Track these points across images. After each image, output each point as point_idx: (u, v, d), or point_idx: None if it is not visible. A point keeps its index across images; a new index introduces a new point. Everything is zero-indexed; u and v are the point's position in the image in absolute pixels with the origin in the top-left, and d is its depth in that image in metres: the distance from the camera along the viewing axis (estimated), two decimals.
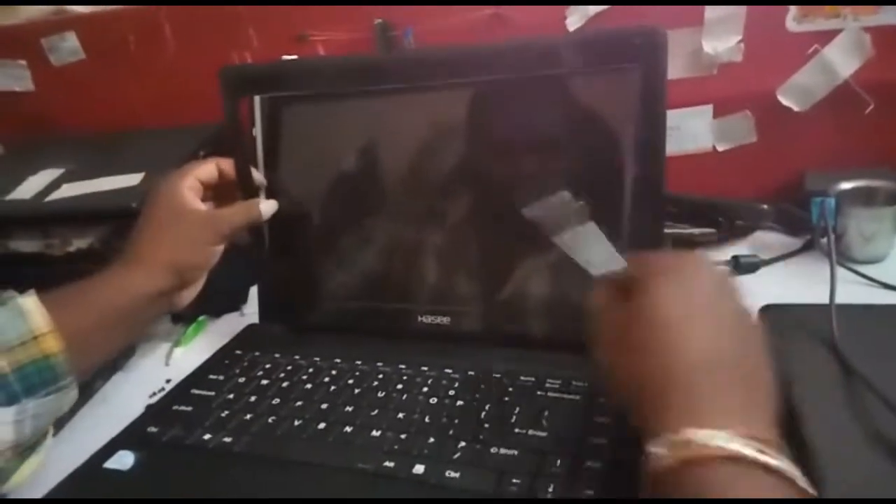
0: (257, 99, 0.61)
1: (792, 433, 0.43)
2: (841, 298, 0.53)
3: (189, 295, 0.57)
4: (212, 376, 0.56)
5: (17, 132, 1.01)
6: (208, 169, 0.58)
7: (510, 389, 0.48)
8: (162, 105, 0.93)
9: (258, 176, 0.61)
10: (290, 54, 0.80)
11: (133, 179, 0.79)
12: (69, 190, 0.80)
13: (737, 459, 0.27)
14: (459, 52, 0.56)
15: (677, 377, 0.31)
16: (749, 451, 0.27)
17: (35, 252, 0.74)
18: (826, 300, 0.52)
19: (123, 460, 0.47)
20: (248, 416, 0.49)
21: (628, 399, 0.33)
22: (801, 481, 0.28)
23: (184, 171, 0.57)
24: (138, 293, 0.53)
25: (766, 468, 0.27)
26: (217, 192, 0.60)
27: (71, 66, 0.94)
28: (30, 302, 0.48)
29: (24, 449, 0.47)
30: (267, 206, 0.58)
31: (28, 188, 0.83)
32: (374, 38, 0.80)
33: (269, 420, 0.49)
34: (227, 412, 0.50)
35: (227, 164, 0.59)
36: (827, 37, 0.71)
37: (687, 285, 0.34)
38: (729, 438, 0.28)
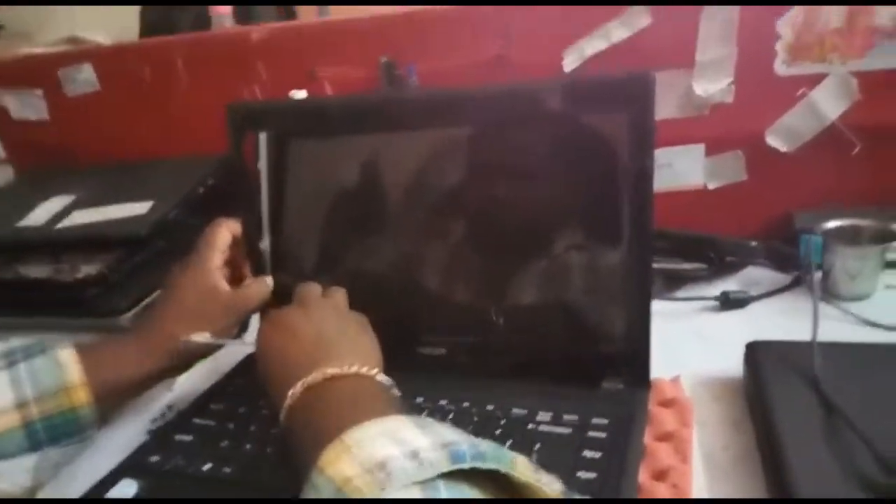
0: (262, 135, 0.63)
1: (773, 467, 0.44)
2: (826, 335, 0.54)
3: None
4: (213, 406, 0.57)
5: (31, 160, 1.04)
6: (226, 238, 0.60)
7: (503, 422, 0.50)
8: (172, 136, 0.96)
9: (262, 242, 0.64)
10: (298, 90, 0.82)
11: (142, 208, 0.82)
12: (79, 217, 0.83)
13: (343, 376, 0.43)
14: (458, 96, 0.58)
15: (304, 349, 0.46)
16: (343, 370, 0.43)
17: (44, 277, 0.77)
18: (808, 341, 0.53)
19: (126, 490, 0.48)
20: (249, 446, 0.51)
21: (276, 377, 0.46)
22: (376, 373, 0.44)
23: (209, 248, 0.59)
24: (155, 367, 0.56)
25: (358, 374, 0.44)
26: (230, 258, 0.62)
27: (85, 97, 0.97)
28: (67, 354, 0.51)
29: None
30: (269, 282, 0.61)
31: (39, 215, 0.86)
32: (380, 76, 0.82)
33: (269, 450, 0.50)
34: (228, 442, 0.52)
35: (235, 226, 0.62)
36: (814, 80, 0.73)
37: (305, 304, 0.51)
38: (334, 367, 0.43)
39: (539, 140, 0.56)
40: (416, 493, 0.29)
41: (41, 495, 0.52)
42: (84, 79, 0.97)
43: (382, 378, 0.45)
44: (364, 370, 0.44)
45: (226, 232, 0.61)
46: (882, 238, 0.67)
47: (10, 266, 0.79)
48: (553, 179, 0.56)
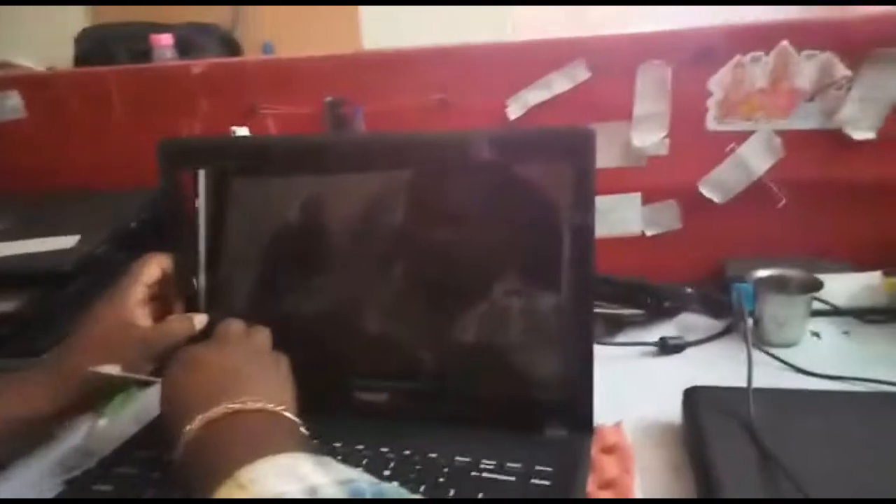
0: (201, 172, 0.62)
1: None
2: (758, 380, 0.56)
3: None
4: (138, 452, 0.54)
5: None
6: (152, 272, 0.58)
7: (446, 470, 0.49)
8: (104, 170, 0.92)
9: (196, 280, 0.61)
10: (239, 126, 0.81)
11: (68, 241, 0.78)
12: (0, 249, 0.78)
13: (246, 411, 0.42)
14: (401, 140, 0.58)
15: (208, 383, 0.45)
16: (252, 404, 0.42)
17: None
18: (743, 387, 0.55)
19: None
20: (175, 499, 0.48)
21: (175, 411, 0.44)
22: (283, 409, 0.43)
23: (132, 280, 0.57)
24: (63, 402, 0.53)
25: (262, 410, 0.42)
26: (158, 294, 0.59)
27: (10, 124, 0.93)
28: None
29: None
30: (199, 320, 0.58)
31: None
32: (324, 115, 0.82)
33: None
34: (152, 492, 0.49)
35: (167, 261, 0.59)
36: (742, 137, 0.78)
37: (220, 340, 0.51)
38: (237, 403, 0.42)
39: (482, 187, 0.56)
40: None
41: None
42: (10, 105, 0.93)
43: (289, 415, 0.43)
44: (269, 406, 0.43)
45: (154, 266, 0.58)
46: (808, 287, 0.70)
47: None
48: (495, 226, 0.56)
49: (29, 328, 0.71)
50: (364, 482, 0.31)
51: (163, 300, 0.60)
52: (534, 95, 0.78)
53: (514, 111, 0.79)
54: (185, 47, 1.15)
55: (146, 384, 0.64)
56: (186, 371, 0.47)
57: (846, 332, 0.72)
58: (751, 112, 0.76)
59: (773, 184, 0.77)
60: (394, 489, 0.31)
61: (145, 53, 1.04)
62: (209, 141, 0.64)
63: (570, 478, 0.47)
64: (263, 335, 0.52)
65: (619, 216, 0.81)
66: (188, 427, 0.41)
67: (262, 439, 0.39)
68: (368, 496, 0.30)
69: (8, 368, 0.69)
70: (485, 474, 0.48)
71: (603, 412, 0.54)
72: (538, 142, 0.54)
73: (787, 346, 0.69)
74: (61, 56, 1.53)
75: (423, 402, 0.56)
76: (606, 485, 0.49)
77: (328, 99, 0.82)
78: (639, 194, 0.81)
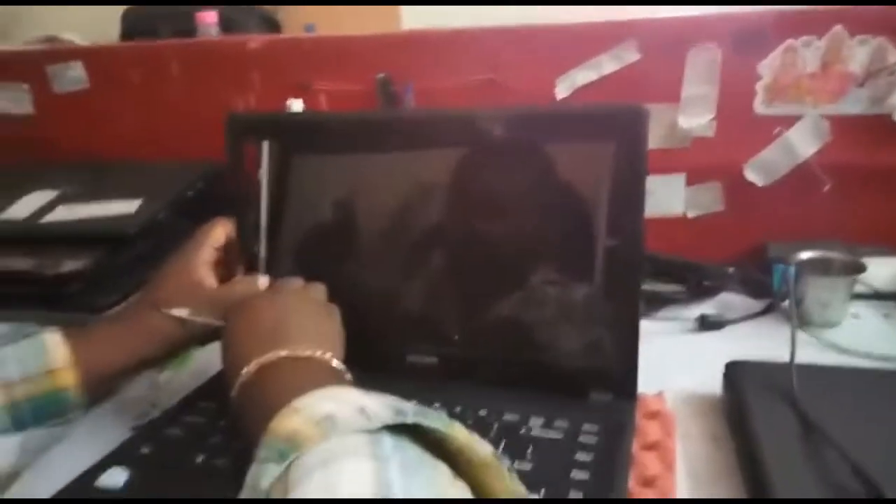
0: (265, 144, 0.64)
1: (755, 482, 0.46)
2: (799, 358, 0.57)
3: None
4: (202, 404, 0.57)
5: (14, 155, 1.02)
6: (218, 236, 0.61)
7: (495, 426, 0.51)
8: (160, 140, 0.96)
9: (257, 248, 0.64)
10: (294, 98, 0.84)
11: (129, 207, 0.81)
12: (64, 212, 0.82)
13: (297, 358, 0.44)
14: (459, 116, 0.60)
15: (263, 331, 0.47)
16: (299, 352, 0.44)
17: (26, 270, 0.75)
18: (784, 360, 0.56)
19: (116, 478, 0.47)
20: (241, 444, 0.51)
21: (232, 356, 0.47)
22: (331, 357, 0.45)
23: (199, 242, 0.59)
24: (137, 354, 0.56)
25: (314, 359, 0.45)
26: (222, 258, 0.62)
27: (73, 94, 0.97)
28: (52, 338, 0.51)
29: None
30: (264, 282, 0.60)
31: (21, 208, 0.84)
32: (376, 92, 0.84)
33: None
34: (218, 438, 0.52)
35: (232, 227, 0.62)
36: (790, 121, 0.78)
37: (277, 292, 0.54)
38: (288, 350, 0.44)
39: (534, 160, 0.58)
40: (361, 440, 0.30)
41: (21, 481, 0.50)
42: (73, 76, 0.96)
43: (336, 363, 0.46)
44: (318, 354, 0.45)
45: (220, 230, 0.61)
46: (851, 270, 0.70)
47: None
48: (547, 202, 0.58)
49: (94, 286, 0.75)
50: (407, 406, 0.32)
51: (226, 263, 0.63)
52: (582, 76, 0.80)
53: (561, 91, 0.80)
54: (227, 25, 1.17)
55: (206, 340, 0.68)
56: (244, 319, 0.49)
57: (887, 315, 0.72)
58: (800, 96, 0.77)
59: (819, 168, 0.78)
60: (436, 415, 0.32)
61: (189, 31, 1.06)
62: (274, 116, 0.66)
63: (617, 436, 0.49)
64: (318, 288, 0.55)
65: (662, 197, 0.82)
66: (244, 370, 0.43)
67: (312, 381, 0.41)
68: (411, 415, 0.31)
69: (73, 323, 0.73)
70: (533, 431, 0.50)
71: (643, 384, 0.55)
72: (592, 118, 0.56)
73: (828, 327, 0.70)
74: (108, 32, 1.57)
75: (471, 366, 0.58)
76: (650, 447, 0.51)
77: (380, 76, 0.85)
78: (683, 175, 0.82)
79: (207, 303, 0.58)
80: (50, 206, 0.84)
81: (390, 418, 0.31)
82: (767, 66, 0.76)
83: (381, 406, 0.32)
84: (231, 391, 0.44)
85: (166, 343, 0.57)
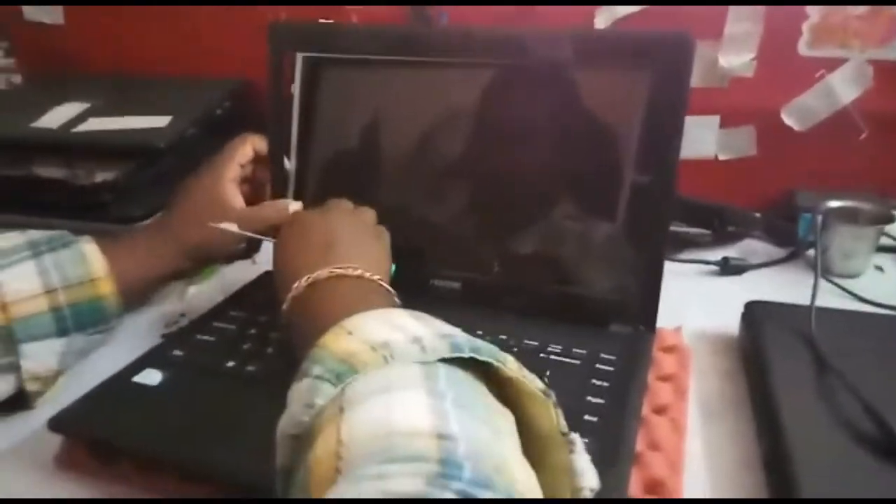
0: (299, 57, 0.63)
1: (765, 412, 0.47)
2: (820, 304, 0.57)
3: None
4: (233, 313, 0.59)
5: (41, 64, 1.02)
6: (246, 152, 0.61)
7: (515, 350, 0.52)
8: (191, 55, 0.95)
9: (287, 163, 0.64)
10: (325, 19, 0.82)
11: (161, 121, 0.82)
12: (96, 124, 0.83)
13: (348, 276, 0.45)
14: (496, 32, 0.60)
15: (314, 248, 0.48)
16: (349, 271, 0.45)
17: (59, 178, 0.77)
18: (805, 305, 0.56)
19: (151, 377, 0.50)
20: (270, 350, 0.53)
21: (284, 271, 0.48)
22: (379, 279, 0.46)
23: (227, 158, 0.60)
24: (168, 266, 0.58)
25: (361, 277, 0.45)
26: (250, 174, 0.63)
27: (104, 7, 0.96)
28: (90, 248, 0.53)
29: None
30: (294, 207, 0.60)
31: (54, 118, 0.85)
32: (410, 16, 0.83)
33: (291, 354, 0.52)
34: (249, 345, 0.53)
35: (260, 143, 0.62)
36: (834, 64, 0.76)
37: (330, 211, 0.54)
38: (340, 269, 0.45)
39: (574, 88, 0.57)
40: (417, 372, 0.30)
41: (64, 379, 0.53)
42: None
43: (385, 285, 0.47)
44: (367, 275, 0.45)
45: (248, 147, 0.61)
46: (878, 220, 0.70)
47: (24, 165, 0.78)
48: (582, 130, 0.57)
49: (125, 198, 0.77)
50: (461, 338, 0.32)
51: (254, 182, 0.64)
52: (622, 7, 0.77)
53: (601, 22, 0.78)
54: None
55: (233, 258, 0.69)
56: (298, 234, 0.51)
57: None
58: (846, 39, 0.74)
59: (857, 115, 0.76)
60: (486, 345, 0.32)
61: None
62: (316, 25, 0.65)
63: (632, 365, 0.50)
64: (369, 212, 0.55)
65: (694, 138, 0.81)
66: (296, 284, 0.44)
67: (362, 300, 0.43)
68: (466, 350, 0.31)
69: (105, 233, 0.75)
70: (552, 357, 0.51)
71: (662, 321, 0.56)
72: (634, 44, 0.55)
73: (850, 276, 0.70)
74: None
75: (494, 294, 0.59)
76: (665, 378, 0.52)
77: None
78: (717, 117, 0.80)
79: (235, 222, 0.59)
80: (81, 118, 0.84)
81: (446, 352, 0.31)
82: (816, 6, 0.74)
83: (435, 337, 0.32)
84: (283, 304, 0.45)
85: (197, 256, 0.59)
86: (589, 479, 0.31)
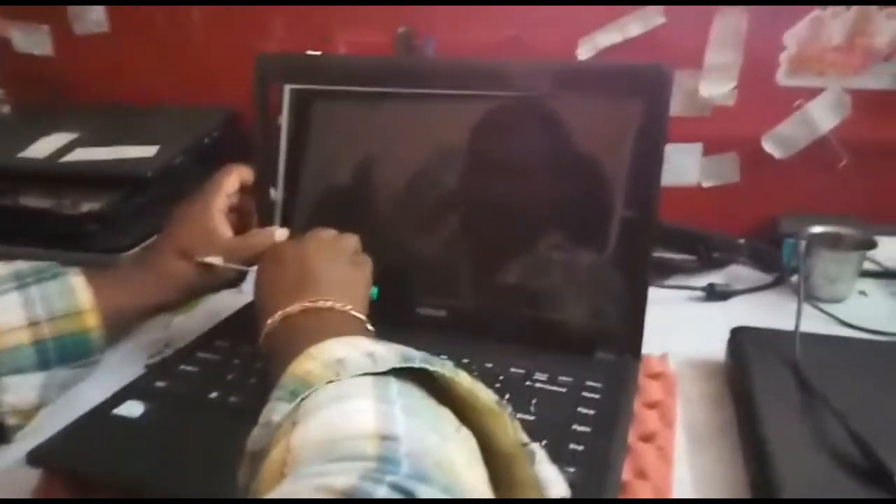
0: (286, 88, 0.64)
1: (752, 439, 0.47)
2: (804, 330, 0.57)
3: None
4: (217, 342, 0.58)
5: (31, 95, 1.03)
6: (233, 182, 0.61)
7: (501, 378, 0.52)
8: (180, 85, 0.96)
9: (274, 193, 0.65)
10: (314, 51, 0.83)
11: (147, 151, 0.82)
12: (83, 154, 0.83)
13: (318, 309, 0.45)
14: (480, 66, 0.60)
15: (290, 281, 0.49)
16: (319, 304, 0.45)
17: (45, 208, 0.77)
18: (790, 330, 0.56)
19: (133, 409, 0.49)
20: (253, 381, 0.52)
21: (261, 305, 0.48)
22: (350, 309, 0.46)
23: (214, 189, 0.60)
24: (156, 299, 0.57)
25: (332, 310, 0.46)
26: (237, 204, 0.62)
27: (93, 37, 0.97)
28: (78, 280, 0.52)
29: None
30: (280, 234, 0.61)
31: (41, 148, 0.85)
32: (396, 45, 0.84)
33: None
34: (233, 375, 0.53)
35: (247, 173, 0.62)
36: (812, 93, 0.77)
37: (307, 242, 0.53)
38: (310, 302, 0.45)
39: (557, 119, 0.58)
40: (369, 382, 0.31)
41: (45, 412, 0.52)
42: (94, 19, 0.96)
43: (357, 314, 0.47)
44: (338, 306, 0.46)
45: (234, 177, 0.61)
46: (861, 246, 0.71)
47: (10, 195, 0.78)
48: (563, 160, 0.58)
49: (112, 227, 0.76)
50: (415, 353, 0.33)
51: (241, 211, 0.64)
52: (605, 38, 0.79)
53: (584, 52, 0.80)
54: None
55: (220, 287, 0.69)
56: (274, 268, 0.51)
57: (894, 294, 0.73)
58: (823, 68, 0.76)
59: (837, 143, 0.77)
60: (441, 362, 0.33)
61: None
62: (303, 58, 0.66)
63: (618, 393, 0.50)
64: (350, 239, 0.56)
65: (677, 165, 0.82)
66: (270, 321, 0.45)
67: (331, 331, 0.42)
68: (418, 361, 0.32)
69: (91, 263, 0.75)
70: (538, 384, 0.51)
71: (648, 348, 0.56)
72: (614, 76, 0.56)
73: (834, 301, 0.71)
74: None
75: (480, 322, 0.59)
76: (651, 405, 0.52)
77: (401, 29, 0.84)
78: (700, 145, 0.82)
79: (224, 252, 0.59)
80: (69, 148, 0.84)
81: (397, 362, 0.32)
82: (793, 36, 0.75)
83: (388, 351, 0.33)
84: (259, 339, 0.46)
85: (184, 289, 0.58)
86: (556, 488, 0.31)
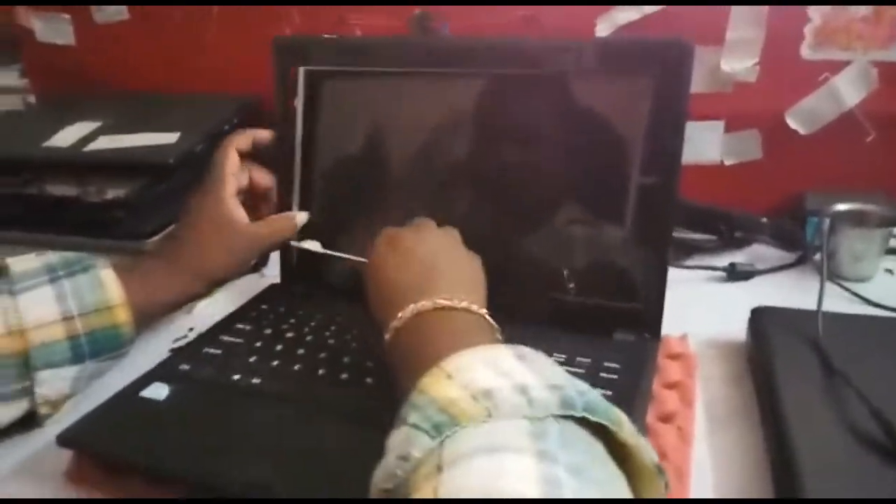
0: (301, 70, 0.64)
1: (772, 419, 0.47)
2: (827, 309, 0.57)
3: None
4: (240, 325, 0.59)
5: (52, 84, 1.04)
6: (234, 160, 0.60)
7: None
8: (198, 73, 0.97)
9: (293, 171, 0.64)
10: (329, 34, 0.83)
11: (170, 138, 0.83)
12: (106, 142, 0.84)
13: (453, 308, 0.43)
14: (497, 43, 0.60)
15: (417, 274, 0.46)
16: (454, 303, 0.43)
17: (70, 196, 0.78)
18: (812, 310, 0.56)
19: (158, 391, 0.50)
20: (276, 363, 0.53)
21: (385, 297, 0.46)
22: (485, 313, 0.44)
23: (220, 175, 0.59)
24: (182, 292, 0.59)
25: (467, 310, 0.43)
26: (247, 183, 0.62)
27: (114, 25, 0.98)
28: (107, 273, 0.53)
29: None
30: (301, 218, 0.61)
31: (65, 137, 0.86)
32: (412, 28, 0.83)
33: (296, 367, 0.52)
34: (255, 358, 0.54)
35: (244, 140, 0.62)
36: (838, 66, 0.75)
37: (426, 232, 0.51)
38: (446, 300, 0.43)
39: (576, 96, 0.57)
40: (523, 425, 0.28)
41: (74, 402, 0.53)
42: (114, 8, 0.97)
43: (489, 319, 0.44)
44: (473, 307, 0.43)
45: (233, 153, 0.60)
46: (887, 223, 0.69)
47: (37, 184, 0.80)
48: (583, 138, 0.57)
49: (136, 214, 0.78)
50: (571, 389, 0.30)
51: (254, 188, 0.63)
52: (623, 15, 0.77)
53: (602, 30, 0.79)
54: None
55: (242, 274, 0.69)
56: (395, 257, 0.48)
57: None
58: (849, 41, 0.74)
59: (864, 117, 0.75)
60: (599, 401, 0.30)
61: None
62: (320, 39, 0.65)
63: (637, 374, 0.50)
64: (456, 233, 0.53)
65: (699, 143, 0.80)
66: (400, 314, 0.43)
67: (466, 335, 0.41)
68: (579, 408, 0.29)
69: (117, 249, 0.76)
70: None
71: (668, 328, 0.56)
72: (634, 52, 0.55)
73: (860, 280, 0.69)
74: None
75: (497, 303, 0.59)
76: (670, 386, 0.52)
77: (416, 12, 0.83)
78: (721, 122, 0.80)
79: (247, 242, 0.59)
80: (92, 136, 0.86)
81: (556, 408, 0.29)
82: (818, 9, 0.73)
83: (543, 388, 0.30)
84: (385, 333, 0.44)
85: (211, 282, 0.59)
86: None
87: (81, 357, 0.51)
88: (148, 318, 0.58)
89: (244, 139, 0.62)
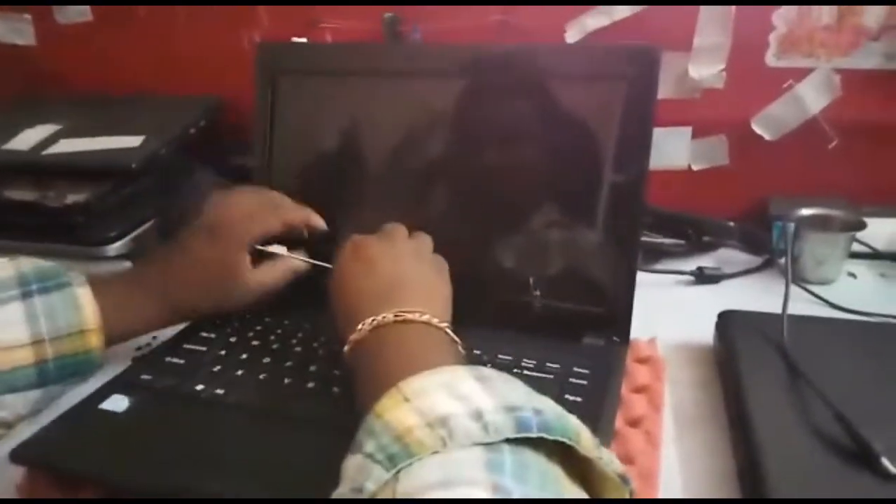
0: (280, 77, 0.63)
1: (739, 422, 0.47)
2: (792, 312, 0.57)
3: None
4: (203, 334, 0.58)
5: (14, 86, 1.01)
6: (275, 228, 0.57)
7: (489, 366, 0.52)
8: (164, 74, 0.95)
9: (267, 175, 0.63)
10: (299, 38, 0.82)
11: (133, 141, 0.81)
12: (67, 145, 0.82)
13: (413, 322, 0.42)
14: (469, 50, 0.60)
15: (380, 285, 0.46)
16: (415, 316, 0.42)
17: (30, 201, 0.76)
18: (778, 313, 0.56)
19: (118, 403, 0.49)
20: (240, 372, 0.52)
21: (347, 307, 0.46)
22: (446, 326, 0.43)
23: (249, 230, 0.56)
24: (162, 323, 0.56)
25: (428, 324, 0.42)
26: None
27: (76, 26, 0.95)
28: (83, 292, 0.49)
29: None
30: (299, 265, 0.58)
31: (25, 140, 0.84)
32: (383, 31, 0.83)
33: (261, 377, 0.51)
34: (219, 367, 0.53)
35: (316, 220, 0.59)
36: (801, 74, 0.77)
37: (393, 241, 0.51)
38: (407, 312, 0.42)
39: (546, 102, 0.57)
40: (478, 454, 0.28)
41: (34, 421, 0.51)
42: (78, 9, 0.95)
43: (451, 333, 0.44)
44: (434, 321, 0.43)
45: (279, 224, 0.57)
46: (849, 227, 0.71)
47: None
48: (552, 142, 0.58)
49: (97, 219, 0.76)
50: (528, 410, 0.30)
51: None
52: (593, 20, 0.78)
53: (572, 35, 0.79)
54: None
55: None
56: (360, 266, 0.47)
57: (883, 275, 0.73)
58: (812, 49, 0.75)
59: (826, 124, 0.77)
60: (557, 418, 0.30)
61: None
62: (303, 46, 0.65)
63: (605, 379, 0.50)
64: (426, 240, 0.52)
65: (667, 148, 0.81)
66: (359, 326, 0.42)
67: (426, 352, 0.40)
68: (535, 429, 0.28)
69: (78, 255, 0.74)
70: (525, 372, 0.51)
71: (637, 332, 0.56)
72: (603, 57, 0.55)
73: (824, 283, 0.71)
74: None
75: (466, 307, 0.59)
76: (639, 389, 0.52)
77: (387, 15, 0.83)
78: (689, 128, 0.81)
79: (244, 289, 0.56)
80: (53, 139, 0.83)
81: (511, 431, 0.28)
82: (782, 17, 0.75)
83: (498, 410, 0.29)
84: (344, 344, 0.43)
85: (192, 317, 0.58)
86: None
87: (46, 381, 0.48)
88: (117, 339, 0.54)
89: (314, 218, 0.59)
